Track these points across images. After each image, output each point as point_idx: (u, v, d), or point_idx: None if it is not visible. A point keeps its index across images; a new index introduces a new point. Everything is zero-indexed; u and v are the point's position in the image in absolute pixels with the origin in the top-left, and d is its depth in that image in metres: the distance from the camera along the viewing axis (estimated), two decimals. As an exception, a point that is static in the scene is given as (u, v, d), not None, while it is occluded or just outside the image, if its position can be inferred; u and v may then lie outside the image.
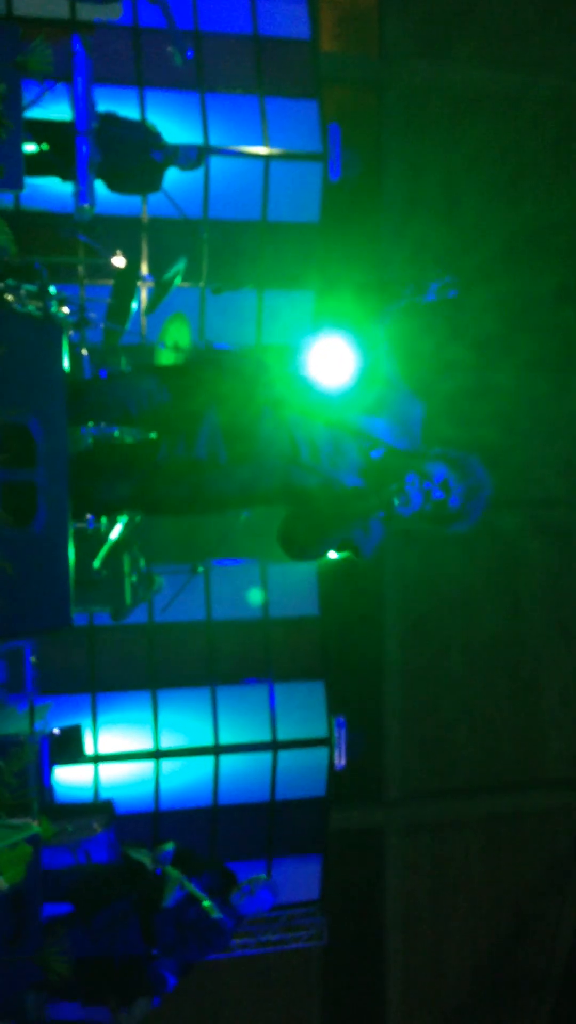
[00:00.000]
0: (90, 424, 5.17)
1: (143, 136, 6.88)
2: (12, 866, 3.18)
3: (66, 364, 3.13)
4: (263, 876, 5.47)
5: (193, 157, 6.90)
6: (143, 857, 5.21)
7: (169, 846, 5.32)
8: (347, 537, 3.65)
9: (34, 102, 6.37)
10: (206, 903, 5.19)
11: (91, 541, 6.68)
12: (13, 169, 4.75)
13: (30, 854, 3.32)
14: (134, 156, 6.87)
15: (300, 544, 3.72)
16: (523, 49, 9.95)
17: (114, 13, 8.07)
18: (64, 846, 6.14)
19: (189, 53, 6.73)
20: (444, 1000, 10.12)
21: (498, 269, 9.70)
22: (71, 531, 2.96)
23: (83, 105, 6.53)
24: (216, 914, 5.18)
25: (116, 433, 6.14)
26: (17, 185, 4.95)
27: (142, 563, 7.51)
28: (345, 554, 3.79)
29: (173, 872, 5.26)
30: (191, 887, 5.24)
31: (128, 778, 8.23)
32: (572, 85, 9.92)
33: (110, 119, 6.87)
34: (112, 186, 6.95)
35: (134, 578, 7.16)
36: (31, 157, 6.37)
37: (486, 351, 9.77)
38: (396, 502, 3.45)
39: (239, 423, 3.64)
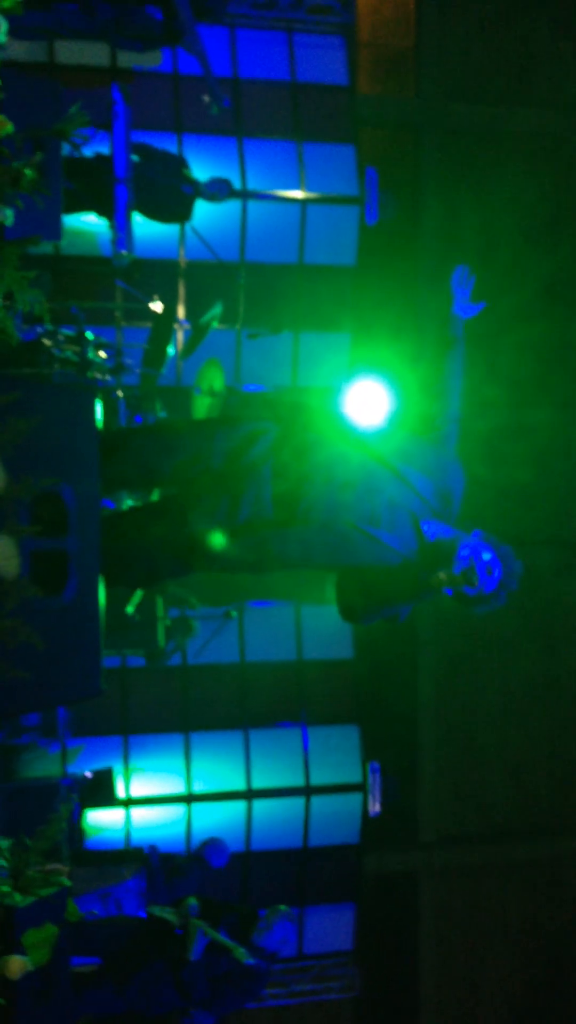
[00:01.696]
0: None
1: (172, 168, 6.99)
2: (37, 949, 3.14)
3: (98, 424, 3.13)
4: (282, 907, 5.42)
5: (223, 192, 6.99)
6: (167, 915, 5.18)
7: (192, 900, 5.28)
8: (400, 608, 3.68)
9: (73, 152, 6.46)
10: (238, 951, 5.13)
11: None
12: (52, 224, 4.80)
13: (56, 936, 3.28)
14: (165, 190, 6.97)
15: (357, 609, 3.73)
16: (561, 89, 9.95)
17: (154, 60, 8.18)
18: (93, 894, 6.11)
19: (226, 102, 6.81)
20: (479, 1048, 9.95)
21: (535, 310, 9.67)
22: (102, 597, 2.95)
23: (122, 153, 6.62)
24: (247, 959, 5.13)
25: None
26: (56, 237, 5.01)
27: (191, 602, 7.52)
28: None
29: (196, 923, 5.22)
30: (218, 937, 5.19)
31: (159, 821, 8.19)
32: (611, 124, 9.90)
33: (143, 154, 6.97)
34: (146, 214, 7.05)
35: (168, 621, 7.16)
36: (67, 193, 6.45)
37: (522, 391, 9.72)
38: (468, 581, 3.47)
39: (287, 479, 3.61)
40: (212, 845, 6.27)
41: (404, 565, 3.60)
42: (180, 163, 7.19)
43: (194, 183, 7.13)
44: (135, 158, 6.91)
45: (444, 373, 3.77)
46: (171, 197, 7.09)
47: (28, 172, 2.86)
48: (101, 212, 6.87)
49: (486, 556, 3.50)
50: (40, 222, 4.05)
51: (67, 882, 3.98)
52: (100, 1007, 5.14)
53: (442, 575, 3.51)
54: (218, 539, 3.58)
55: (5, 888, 3.19)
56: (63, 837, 6.32)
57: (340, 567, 3.72)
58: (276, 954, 5.35)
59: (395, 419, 3.82)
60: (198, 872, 6.16)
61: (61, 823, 3.36)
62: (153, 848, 6.38)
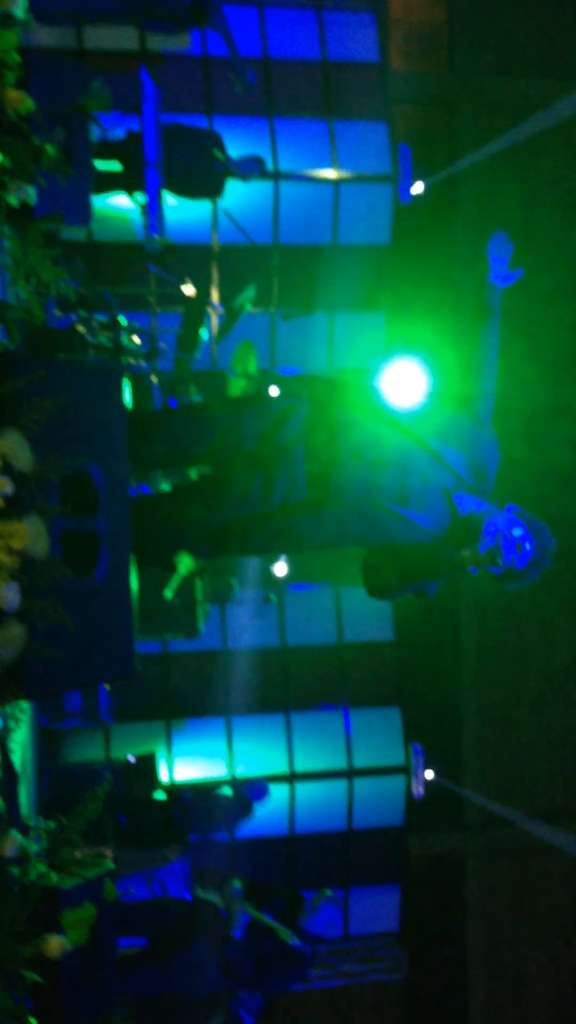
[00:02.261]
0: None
1: (203, 143, 6.95)
2: (76, 928, 3.16)
3: (127, 404, 3.12)
4: (327, 892, 5.42)
5: (255, 168, 6.94)
6: (212, 896, 5.20)
7: (236, 883, 5.30)
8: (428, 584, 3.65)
9: (103, 136, 6.45)
10: (283, 932, 5.15)
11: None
12: (81, 207, 4.78)
13: (94, 915, 3.29)
14: (196, 168, 6.93)
15: (386, 587, 3.70)
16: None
17: (183, 43, 8.14)
18: (138, 876, 6.15)
19: (252, 80, 6.77)
20: (528, 1029, 9.92)
21: (575, 287, 9.55)
22: (134, 578, 2.94)
23: (152, 137, 6.59)
24: (292, 940, 5.14)
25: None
26: (85, 221, 5.00)
27: (231, 584, 7.54)
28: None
29: (240, 903, 5.24)
30: (263, 917, 5.20)
31: (203, 806, 8.22)
32: None
33: (174, 134, 6.94)
34: (176, 192, 7.02)
35: (207, 607, 7.17)
36: (98, 174, 6.45)
37: (561, 370, 9.60)
38: (493, 560, 3.43)
39: (320, 460, 3.59)
40: (251, 783, 6.38)
41: (435, 543, 3.57)
42: (212, 139, 7.14)
43: (226, 161, 7.09)
44: (166, 145, 6.89)
45: (479, 345, 3.71)
46: (202, 174, 7.05)
47: (49, 149, 2.84)
48: (129, 191, 6.84)
49: (517, 532, 3.45)
50: (68, 203, 4.04)
51: (110, 864, 4.01)
52: (144, 988, 5.17)
53: (467, 553, 3.47)
54: (251, 522, 3.58)
55: (42, 868, 3.21)
56: (108, 819, 6.37)
57: (374, 545, 3.70)
58: (321, 938, 5.36)
59: (432, 397, 3.77)
60: (239, 810, 6.23)
61: (98, 803, 3.36)
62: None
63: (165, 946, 5.15)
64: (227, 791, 6.74)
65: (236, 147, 8.07)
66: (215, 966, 5.08)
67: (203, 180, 7.05)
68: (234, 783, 6.45)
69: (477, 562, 3.48)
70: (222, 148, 7.12)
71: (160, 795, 6.90)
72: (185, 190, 7.06)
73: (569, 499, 9.43)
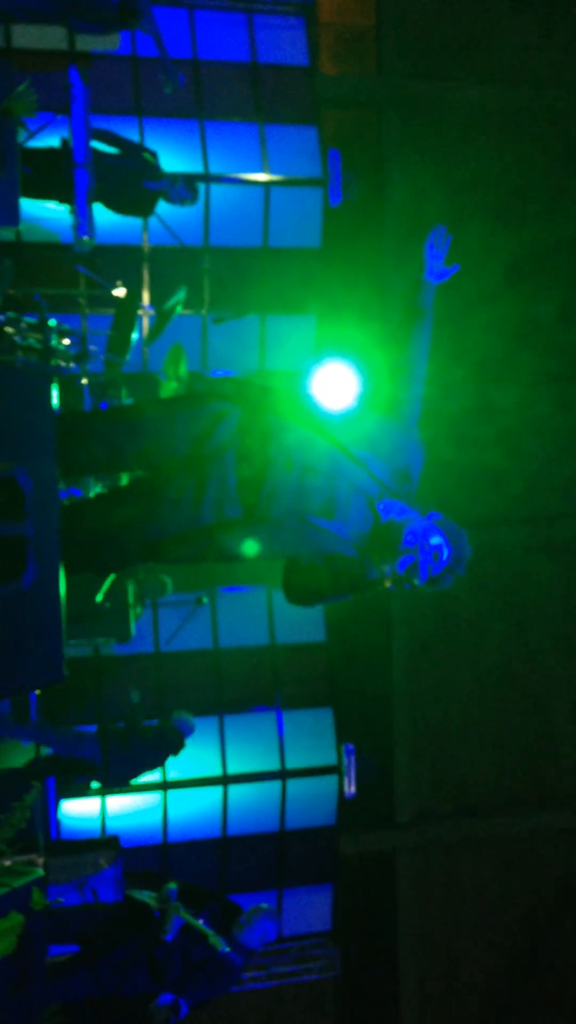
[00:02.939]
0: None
1: (136, 164, 6.90)
2: (3, 937, 3.13)
3: (54, 407, 3.10)
4: (263, 906, 5.44)
5: (187, 196, 6.92)
6: (146, 898, 5.19)
7: (172, 885, 5.29)
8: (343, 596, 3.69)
9: (30, 138, 6.40)
10: (213, 939, 5.15)
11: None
12: (8, 208, 4.74)
13: (21, 924, 3.27)
14: (126, 183, 6.89)
15: (320, 592, 3.73)
16: (524, 65, 9.93)
17: (112, 43, 8.10)
18: (70, 884, 6.10)
19: (181, 81, 6.75)
20: (461, 1022, 10.03)
21: (501, 288, 9.68)
22: (62, 583, 2.93)
23: (81, 137, 6.54)
24: (222, 947, 5.15)
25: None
26: (13, 222, 4.95)
27: (168, 588, 7.49)
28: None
29: (174, 906, 5.23)
30: (196, 923, 5.20)
31: (135, 809, 8.18)
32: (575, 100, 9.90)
33: (105, 138, 6.89)
34: (106, 205, 6.97)
35: (139, 610, 7.14)
36: (26, 179, 6.38)
37: (488, 371, 9.74)
38: (410, 580, 3.49)
39: (252, 464, 3.60)
40: (178, 718, 6.39)
41: (358, 553, 3.61)
42: (145, 160, 7.09)
43: (158, 178, 7.06)
44: (102, 147, 6.85)
45: (410, 347, 3.72)
46: (134, 192, 7.03)
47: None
48: (62, 199, 6.80)
49: (435, 540, 3.50)
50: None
51: (40, 872, 3.97)
52: (75, 993, 5.14)
53: (387, 582, 3.53)
54: (185, 536, 3.58)
55: (-31, 878, 3.18)
56: (38, 828, 6.31)
57: (309, 554, 3.71)
58: (254, 952, 5.37)
59: (362, 401, 3.79)
60: (158, 745, 6.22)
61: (25, 811, 3.33)
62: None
63: (96, 949, 5.13)
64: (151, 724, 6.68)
65: (167, 149, 8.05)
66: (143, 968, 5.07)
67: (133, 202, 7.03)
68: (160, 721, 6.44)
69: (396, 581, 3.54)
70: (153, 170, 7.08)
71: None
72: (116, 206, 7.04)
73: (499, 498, 9.58)
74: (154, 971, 5.05)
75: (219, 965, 5.17)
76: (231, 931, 5.26)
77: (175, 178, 6.95)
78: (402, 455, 3.66)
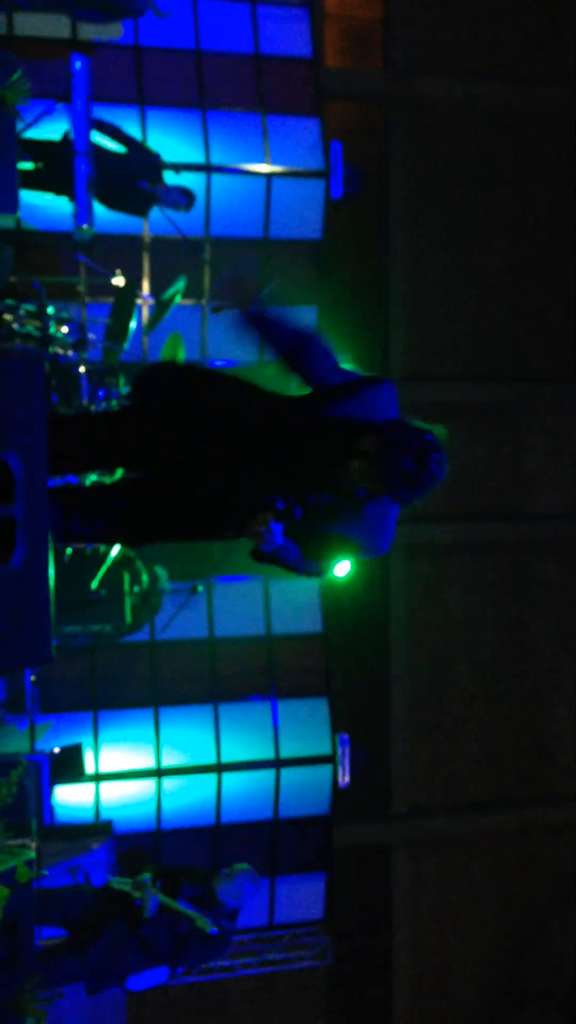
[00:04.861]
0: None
1: (135, 167, 6.94)
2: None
3: (45, 391, 3.14)
4: (246, 865, 5.50)
5: (181, 202, 6.96)
6: (125, 886, 5.25)
7: (147, 874, 5.36)
8: None
9: (30, 125, 6.41)
10: (201, 921, 5.21)
11: (90, 561, 6.69)
12: (7, 194, 4.75)
13: (6, 896, 3.31)
14: (123, 184, 6.94)
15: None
16: (529, 61, 9.93)
17: (115, 33, 8.11)
18: (62, 867, 6.15)
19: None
20: (451, 1017, 10.06)
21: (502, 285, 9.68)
22: (51, 565, 2.96)
23: (82, 126, 6.57)
24: (211, 928, 5.21)
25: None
26: (12, 210, 4.97)
27: (162, 580, 7.52)
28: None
29: (153, 891, 5.30)
30: (177, 906, 5.26)
31: (130, 797, 8.21)
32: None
33: (109, 132, 6.91)
34: (104, 203, 7.01)
35: (136, 599, 7.17)
36: (26, 172, 6.41)
37: (489, 365, 9.75)
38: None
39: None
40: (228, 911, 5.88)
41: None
42: (145, 159, 7.12)
43: (154, 180, 7.10)
44: (105, 144, 6.88)
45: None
46: (131, 193, 7.07)
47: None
48: (60, 192, 6.84)
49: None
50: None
51: (31, 853, 4.02)
52: (67, 977, 5.20)
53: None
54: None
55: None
56: (32, 814, 6.35)
57: None
58: (236, 912, 5.43)
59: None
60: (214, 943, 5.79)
61: (11, 787, 3.37)
62: None
63: (83, 932, 5.19)
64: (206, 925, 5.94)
65: (168, 139, 8.06)
66: (133, 948, 5.13)
67: (129, 202, 7.07)
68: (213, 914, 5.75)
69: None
70: (155, 174, 7.10)
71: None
72: (113, 204, 7.08)
73: (490, 493, 9.62)
74: (144, 947, 5.13)
75: (208, 936, 5.24)
76: (214, 891, 5.33)
77: (170, 189, 7.03)
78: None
